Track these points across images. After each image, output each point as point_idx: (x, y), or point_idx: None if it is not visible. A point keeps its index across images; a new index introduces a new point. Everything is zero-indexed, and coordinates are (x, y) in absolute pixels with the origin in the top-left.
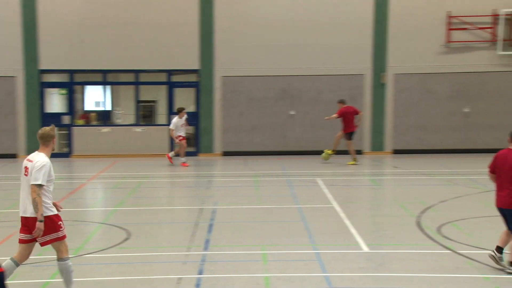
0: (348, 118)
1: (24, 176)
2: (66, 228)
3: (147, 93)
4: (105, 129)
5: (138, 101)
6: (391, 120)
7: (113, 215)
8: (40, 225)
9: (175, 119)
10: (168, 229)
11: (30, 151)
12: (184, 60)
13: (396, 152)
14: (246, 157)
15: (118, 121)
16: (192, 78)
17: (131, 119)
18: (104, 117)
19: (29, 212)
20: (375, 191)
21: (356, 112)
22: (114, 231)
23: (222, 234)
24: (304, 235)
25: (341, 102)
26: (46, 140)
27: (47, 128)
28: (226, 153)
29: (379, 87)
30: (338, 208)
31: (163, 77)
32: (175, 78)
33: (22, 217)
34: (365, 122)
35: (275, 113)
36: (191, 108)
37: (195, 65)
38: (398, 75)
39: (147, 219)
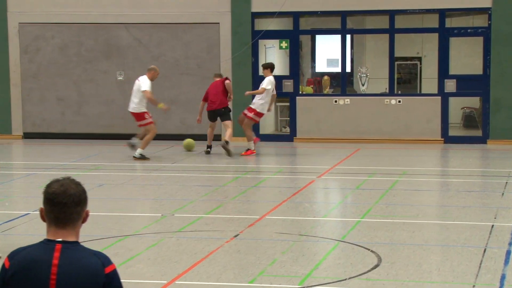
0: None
1: None
2: (289, 243)
3: None
4: (342, 100)
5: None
6: None
7: (355, 229)
8: None
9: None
10: (438, 254)
11: None
12: None
13: None
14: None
15: (362, 89)
16: None
17: (382, 87)
18: (341, 83)
19: None
20: None
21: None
22: (357, 252)
23: None
24: None
25: None
26: None
27: None
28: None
29: None
30: None
31: None
32: None
33: None
34: None
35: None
36: None
37: None
38: None
39: (406, 237)
